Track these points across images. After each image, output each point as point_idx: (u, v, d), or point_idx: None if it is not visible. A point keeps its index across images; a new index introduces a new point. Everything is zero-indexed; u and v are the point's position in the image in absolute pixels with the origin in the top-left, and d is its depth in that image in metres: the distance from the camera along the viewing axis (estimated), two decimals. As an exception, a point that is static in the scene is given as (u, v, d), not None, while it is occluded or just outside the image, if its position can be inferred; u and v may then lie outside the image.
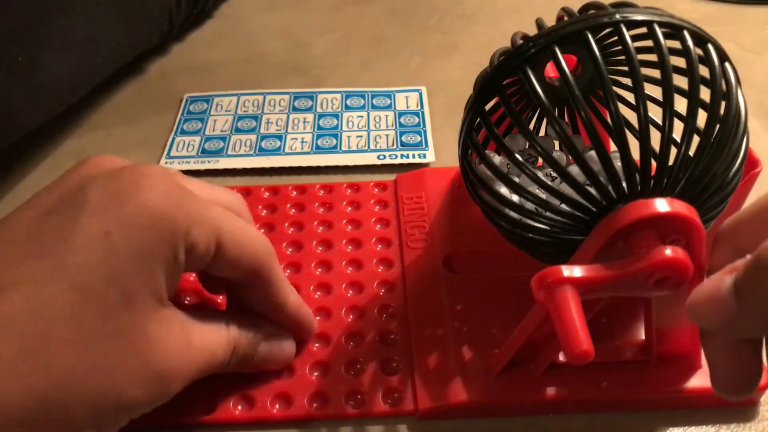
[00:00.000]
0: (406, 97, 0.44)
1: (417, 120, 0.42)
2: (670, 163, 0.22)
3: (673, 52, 0.23)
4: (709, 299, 0.19)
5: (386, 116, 0.42)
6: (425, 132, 0.41)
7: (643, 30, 0.23)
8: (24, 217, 0.22)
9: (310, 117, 0.42)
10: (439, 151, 0.39)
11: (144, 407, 0.22)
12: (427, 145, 0.40)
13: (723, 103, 0.23)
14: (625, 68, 0.28)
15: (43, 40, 0.36)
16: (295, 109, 0.43)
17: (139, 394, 0.21)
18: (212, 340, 0.24)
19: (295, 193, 0.36)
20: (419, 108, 0.43)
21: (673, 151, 0.23)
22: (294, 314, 0.27)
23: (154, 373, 0.22)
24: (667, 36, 0.23)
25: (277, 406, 0.26)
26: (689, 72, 0.23)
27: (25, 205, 0.23)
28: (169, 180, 0.23)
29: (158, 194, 0.22)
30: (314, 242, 0.33)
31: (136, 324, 0.21)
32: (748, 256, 0.18)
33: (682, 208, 0.21)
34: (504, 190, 0.27)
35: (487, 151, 0.29)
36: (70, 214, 0.21)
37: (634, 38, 0.23)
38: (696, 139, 0.23)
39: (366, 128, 0.41)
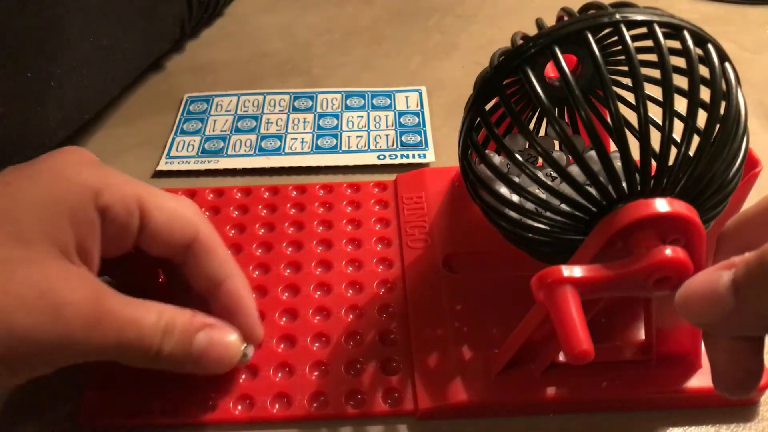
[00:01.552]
0: (406, 97, 0.44)
1: (417, 120, 0.42)
2: (670, 163, 0.22)
3: (673, 52, 0.23)
4: (703, 295, 0.18)
5: (386, 116, 0.42)
6: (425, 132, 0.41)
7: (643, 30, 0.23)
8: None
9: (310, 117, 0.42)
10: (439, 151, 0.39)
11: (43, 346, 0.20)
12: (427, 145, 0.40)
13: (723, 103, 0.23)
14: (625, 68, 0.28)
15: (70, 64, 0.37)
16: (295, 109, 0.43)
17: (30, 323, 0.20)
18: (136, 311, 0.22)
19: (295, 193, 0.36)
20: (419, 108, 0.43)
21: (673, 151, 0.23)
22: (237, 292, 0.25)
23: (50, 305, 0.20)
24: (667, 36, 0.23)
25: (277, 406, 0.26)
26: (689, 72, 0.23)
27: None
28: (85, 155, 0.23)
29: (72, 161, 0.22)
30: (314, 242, 0.33)
31: (33, 261, 0.21)
32: (747, 254, 0.17)
33: (682, 208, 0.21)
34: (504, 190, 0.27)
35: (487, 151, 0.29)
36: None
37: (634, 38, 0.23)
38: (696, 139, 0.23)
39: (366, 128, 0.41)
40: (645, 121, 0.22)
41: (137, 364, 0.23)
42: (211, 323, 0.25)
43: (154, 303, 0.23)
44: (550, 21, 0.26)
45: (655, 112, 0.23)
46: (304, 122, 0.42)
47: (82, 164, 0.23)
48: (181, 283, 0.26)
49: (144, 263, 0.26)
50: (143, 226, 0.23)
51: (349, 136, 0.41)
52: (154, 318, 0.23)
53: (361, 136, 0.41)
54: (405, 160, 0.39)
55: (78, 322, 0.21)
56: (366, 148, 0.40)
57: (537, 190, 0.26)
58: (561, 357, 0.26)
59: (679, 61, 0.23)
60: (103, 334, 0.21)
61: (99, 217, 0.22)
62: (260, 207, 0.35)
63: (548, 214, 0.24)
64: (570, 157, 0.30)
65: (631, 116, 0.23)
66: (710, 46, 0.23)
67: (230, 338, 0.25)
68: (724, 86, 0.23)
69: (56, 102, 0.36)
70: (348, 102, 0.44)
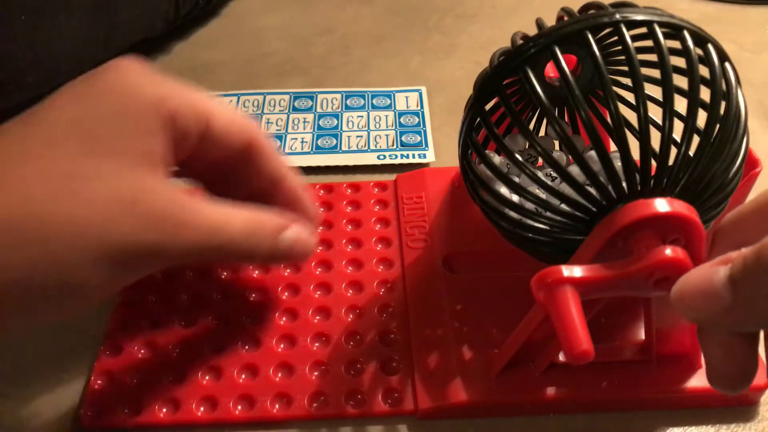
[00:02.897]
0: (406, 97, 0.44)
1: (417, 120, 0.42)
2: (670, 163, 0.22)
3: (673, 52, 0.23)
4: (699, 290, 0.18)
5: (386, 116, 0.42)
6: (425, 132, 0.41)
7: (643, 30, 0.23)
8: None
9: (310, 117, 0.42)
10: (439, 151, 0.39)
11: (143, 254, 0.22)
12: (427, 145, 0.40)
13: (723, 103, 0.23)
14: (625, 68, 0.28)
15: (48, 4, 0.35)
16: (295, 109, 0.43)
17: (125, 232, 0.21)
18: (226, 213, 0.23)
19: (295, 193, 0.36)
20: (419, 108, 0.43)
21: (673, 151, 0.23)
22: (296, 188, 0.26)
23: (141, 215, 0.21)
24: (667, 36, 0.23)
25: (277, 406, 0.26)
26: (689, 72, 0.23)
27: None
28: (145, 65, 0.24)
29: (135, 72, 0.23)
30: (314, 242, 0.33)
31: (118, 173, 0.21)
32: (744, 249, 0.17)
33: (682, 207, 0.21)
34: (504, 190, 0.27)
35: (487, 151, 0.29)
36: (61, 91, 0.23)
37: (634, 38, 0.23)
38: (696, 139, 0.23)
39: (366, 128, 0.41)
40: (645, 121, 0.22)
41: (228, 261, 0.25)
42: (293, 220, 0.26)
43: (240, 205, 0.24)
44: (550, 21, 0.26)
45: (655, 112, 0.23)
46: (304, 122, 0.42)
47: (146, 74, 0.23)
48: (234, 188, 0.27)
49: (201, 170, 0.27)
50: (207, 131, 0.24)
51: (349, 136, 0.41)
52: (241, 222, 0.24)
53: (361, 136, 0.41)
54: (405, 160, 0.39)
55: (169, 228, 0.22)
56: (366, 148, 0.40)
57: (537, 190, 0.26)
58: (561, 357, 0.26)
59: (679, 61, 0.23)
60: (193, 238, 0.22)
61: (169, 124, 0.23)
62: (260, 207, 0.35)
63: (548, 214, 0.24)
64: (570, 157, 0.30)
65: (631, 116, 0.23)
66: (710, 46, 0.23)
67: (309, 232, 0.27)
68: (724, 86, 0.23)
69: (26, 40, 0.34)
70: (348, 102, 0.44)
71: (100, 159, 0.21)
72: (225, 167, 0.26)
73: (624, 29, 0.23)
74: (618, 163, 0.22)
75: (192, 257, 0.23)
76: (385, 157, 0.39)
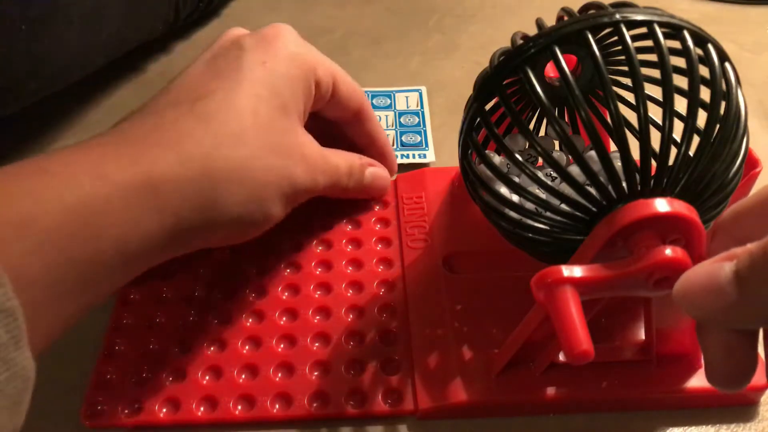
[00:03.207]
0: (406, 97, 0.44)
1: (417, 120, 0.42)
2: (670, 163, 0.22)
3: (673, 52, 0.23)
4: (703, 286, 0.18)
5: (386, 116, 0.42)
6: (425, 132, 0.41)
7: (643, 30, 0.23)
8: (194, 67, 0.28)
9: (310, 117, 0.42)
10: (439, 151, 0.39)
11: (303, 192, 0.28)
12: (427, 145, 0.40)
13: (723, 103, 0.23)
14: (625, 68, 0.28)
15: (46, 11, 0.35)
16: (295, 109, 0.43)
17: (301, 176, 0.27)
18: (337, 158, 0.31)
19: (295, 193, 0.36)
20: (419, 108, 0.43)
21: (673, 151, 0.23)
22: (385, 144, 0.34)
23: (309, 164, 0.28)
24: (667, 36, 0.23)
25: (277, 406, 0.26)
26: (689, 72, 0.23)
27: (190, 65, 0.28)
28: (297, 35, 0.30)
29: (293, 41, 0.29)
30: (314, 242, 0.33)
31: (290, 129, 0.28)
32: (749, 245, 0.17)
33: (682, 207, 0.21)
34: (504, 190, 0.27)
35: (487, 151, 0.29)
36: (234, 54, 0.28)
37: (634, 38, 0.23)
38: (696, 139, 0.23)
39: (366, 128, 0.41)
40: (645, 121, 0.22)
41: (331, 195, 0.32)
42: (372, 162, 0.34)
43: (339, 152, 0.31)
44: (550, 21, 0.26)
45: (655, 112, 0.23)
46: (304, 122, 0.42)
47: (300, 43, 0.29)
48: (338, 140, 0.33)
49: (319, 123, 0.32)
50: (333, 95, 0.31)
51: (349, 136, 0.41)
52: (345, 163, 0.31)
53: (361, 136, 0.41)
54: (405, 160, 0.39)
55: (317, 173, 0.29)
56: (366, 148, 0.40)
57: (537, 190, 0.26)
58: (561, 357, 0.26)
59: (679, 61, 0.23)
60: (324, 179, 0.29)
61: (315, 88, 0.29)
62: (260, 207, 0.35)
63: (548, 214, 0.24)
64: (570, 157, 0.30)
65: (631, 116, 0.23)
66: (710, 46, 0.23)
67: (385, 172, 0.34)
68: (724, 86, 0.23)
69: (27, 49, 0.35)
70: (348, 102, 0.44)
71: (286, 117, 0.27)
72: (338, 123, 0.33)
73: (624, 29, 0.23)
74: (618, 163, 0.22)
75: (322, 193, 0.30)
76: (385, 157, 0.39)
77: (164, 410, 0.26)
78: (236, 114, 0.26)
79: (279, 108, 0.27)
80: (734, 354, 0.19)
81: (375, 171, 0.33)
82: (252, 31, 0.30)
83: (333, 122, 0.33)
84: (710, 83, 0.23)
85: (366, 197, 0.34)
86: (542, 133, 0.32)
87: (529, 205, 0.25)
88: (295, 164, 0.27)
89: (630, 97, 0.24)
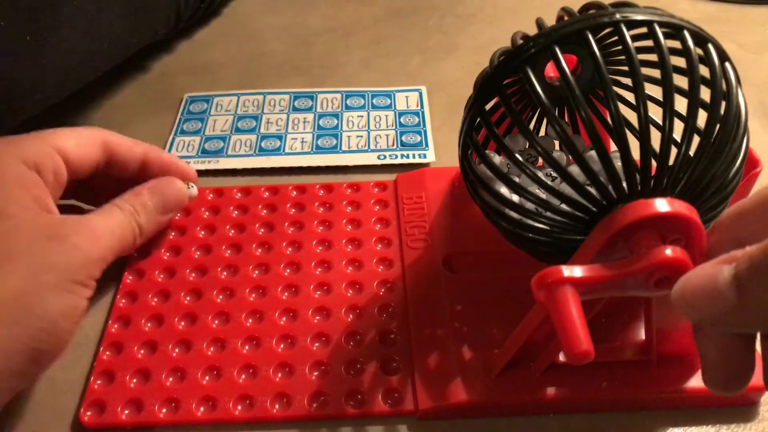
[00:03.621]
0: (406, 97, 0.44)
1: (417, 120, 0.42)
2: (671, 163, 0.22)
3: (674, 52, 0.23)
4: (702, 289, 0.18)
5: (386, 116, 0.42)
6: (425, 132, 0.41)
7: (644, 30, 0.23)
8: None
9: (310, 117, 0.42)
10: (439, 151, 0.39)
11: (92, 263, 0.26)
12: (427, 145, 0.40)
13: (723, 103, 0.23)
14: (625, 68, 0.28)
15: (51, 23, 0.36)
16: (295, 109, 0.43)
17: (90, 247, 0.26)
18: (107, 219, 0.28)
19: (295, 193, 0.36)
20: (419, 108, 0.43)
21: (674, 151, 0.22)
22: (158, 156, 0.32)
23: (82, 250, 0.26)
24: (667, 36, 0.23)
25: (277, 406, 0.26)
26: (689, 72, 0.23)
27: None
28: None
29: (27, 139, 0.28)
30: (314, 242, 0.33)
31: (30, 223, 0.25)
32: (749, 248, 0.17)
33: (682, 207, 0.21)
34: (504, 190, 0.27)
35: (487, 151, 0.29)
36: None
37: (635, 38, 0.23)
38: (696, 139, 0.22)
39: (366, 128, 0.41)
40: (645, 121, 0.22)
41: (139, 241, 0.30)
42: (155, 182, 0.31)
43: (110, 205, 0.29)
44: (550, 21, 0.26)
45: (655, 112, 0.23)
46: (304, 122, 0.42)
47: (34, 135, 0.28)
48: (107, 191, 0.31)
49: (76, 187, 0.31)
50: (68, 164, 0.28)
51: (349, 136, 0.41)
52: (120, 214, 0.29)
53: (361, 136, 0.41)
54: (405, 160, 0.39)
55: (87, 246, 0.26)
56: (366, 148, 0.40)
57: (537, 190, 0.26)
58: (561, 357, 0.26)
59: (680, 61, 0.23)
60: (103, 247, 0.27)
61: (62, 160, 0.28)
62: (260, 207, 0.35)
63: (548, 214, 0.24)
64: (570, 157, 0.30)
65: (631, 116, 0.23)
66: (710, 46, 0.23)
67: (177, 183, 0.32)
68: (724, 86, 0.23)
69: (32, 59, 0.35)
70: (348, 102, 0.44)
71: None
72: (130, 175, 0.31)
73: (624, 29, 0.23)
74: (618, 163, 0.22)
75: (116, 256, 0.28)
76: (385, 157, 0.39)
77: (164, 410, 0.26)
78: None
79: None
80: (732, 357, 0.19)
81: (162, 189, 0.31)
82: None
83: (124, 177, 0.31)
84: (710, 83, 0.23)
85: (170, 216, 0.32)
86: (542, 133, 0.32)
87: (529, 205, 0.25)
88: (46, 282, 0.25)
89: (630, 97, 0.24)
